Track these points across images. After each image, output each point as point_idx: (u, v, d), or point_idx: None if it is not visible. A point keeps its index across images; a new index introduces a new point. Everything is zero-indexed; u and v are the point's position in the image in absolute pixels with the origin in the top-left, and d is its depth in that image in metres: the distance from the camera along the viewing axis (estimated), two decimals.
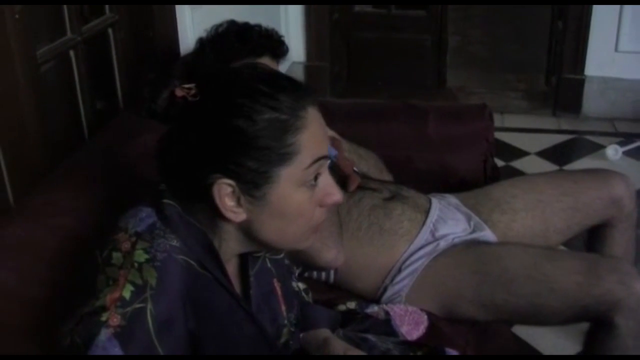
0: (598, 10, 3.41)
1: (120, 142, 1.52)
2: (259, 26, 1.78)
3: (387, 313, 1.56)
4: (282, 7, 3.63)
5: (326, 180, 0.99)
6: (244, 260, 1.07)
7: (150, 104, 0.96)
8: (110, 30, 1.89)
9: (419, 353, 1.19)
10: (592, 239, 1.86)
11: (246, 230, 0.98)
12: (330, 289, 1.68)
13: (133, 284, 0.88)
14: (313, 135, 0.95)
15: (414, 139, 2.09)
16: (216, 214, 0.95)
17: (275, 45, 1.73)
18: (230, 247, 1.00)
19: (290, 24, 3.75)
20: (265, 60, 1.74)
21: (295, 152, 0.93)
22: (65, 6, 1.68)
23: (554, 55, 3.80)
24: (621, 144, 3.21)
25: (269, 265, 1.13)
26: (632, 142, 3.21)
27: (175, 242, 0.93)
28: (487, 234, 1.72)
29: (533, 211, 1.76)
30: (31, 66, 1.49)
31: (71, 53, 1.72)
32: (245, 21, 1.82)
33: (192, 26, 2.22)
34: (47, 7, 1.65)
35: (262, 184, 0.93)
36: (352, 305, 1.57)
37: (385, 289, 1.65)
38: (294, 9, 3.72)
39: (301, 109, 0.94)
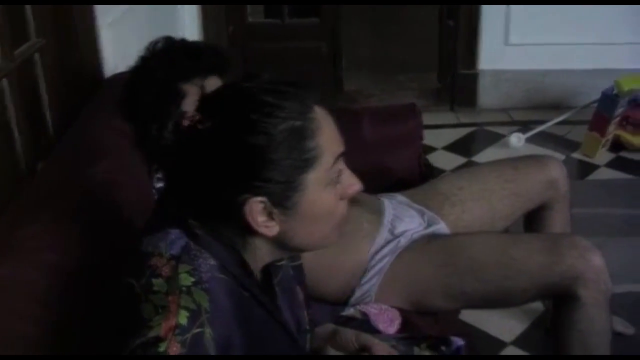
0: (487, 7, 3.59)
1: (77, 171, 1.46)
2: (203, 43, 1.76)
3: (364, 314, 1.59)
4: (179, 21, 3.57)
5: (347, 173, 1.00)
6: (267, 271, 1.06)
7: (159, 140, 0.93)
8: (37, 56, 1.80)
9: (422, 345, 1.22)
10: (531, 221, 1.96)
11: (278, 240, 0.97)
12: None
13: (187, 309, 0.85)
14: (329, 134, 0.95)
15: (350, 143, 2.11)
16: (246, 231, 0.94)
17: (224, 63, 1.71)
18: (261, 259, 0.99)
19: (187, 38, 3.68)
20: (213, 79, 1.72)
21: (318, 155, 0.93)
22: None
23: (446, 53, 3.97)
24: (522, 131, 3.39)
25: (291, 272, 1.13)
26: (532, 129, 3.39)
27: (212, 261, 0.91)
28: (442, 227, 1.78)
29: (480, 201, 1.84)
30: None
31: (4, 82, 1.62)
32: (181, 37, 1.79)
33: (111, 48, 2.15)
34: None
35: (292, 194, 0.93)
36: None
37: (353, 291, 1.67)
38: (190, 24, 3.67)
39: (310, 111, 0.93)
